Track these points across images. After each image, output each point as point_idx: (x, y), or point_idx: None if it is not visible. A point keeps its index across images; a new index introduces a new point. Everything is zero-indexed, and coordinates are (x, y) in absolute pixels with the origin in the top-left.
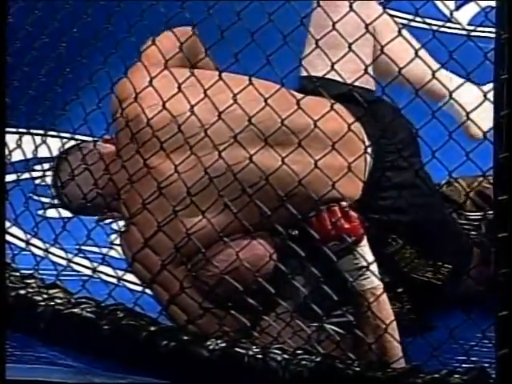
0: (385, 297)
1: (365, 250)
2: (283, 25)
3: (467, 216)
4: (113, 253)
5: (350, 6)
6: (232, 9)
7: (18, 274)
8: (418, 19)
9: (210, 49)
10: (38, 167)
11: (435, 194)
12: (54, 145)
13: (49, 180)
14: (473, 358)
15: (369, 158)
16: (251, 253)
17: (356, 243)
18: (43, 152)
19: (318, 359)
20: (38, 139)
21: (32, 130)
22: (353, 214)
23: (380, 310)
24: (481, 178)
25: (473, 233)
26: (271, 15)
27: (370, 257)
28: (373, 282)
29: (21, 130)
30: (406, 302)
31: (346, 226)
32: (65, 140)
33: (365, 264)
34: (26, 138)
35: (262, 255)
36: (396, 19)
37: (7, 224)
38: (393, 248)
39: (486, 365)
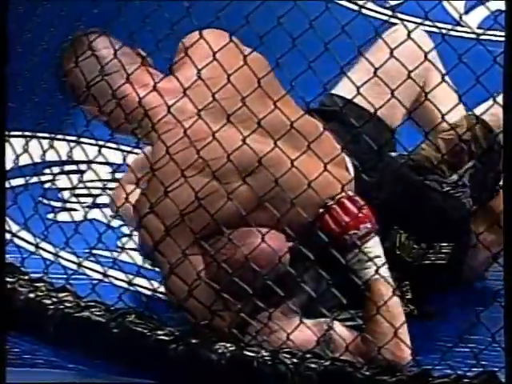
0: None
1: (377, 240)
2: (292, 28)
3: (449, 182)
4: (123, 257)
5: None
6: (240, 12)
7: (27, 277)
8: (428, 22)
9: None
10: (46, 171)
11: (418, 183)
12: (62, 148)
13: (59, 184)
14: (482, 363)
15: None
16: (270, 242)
17: (372, 230)
18: (51, 156)
19: (327, 363)
20: (45, 143)
21: (38, 134)
22: (361, 201)
23: (392, 306)
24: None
25: (461, 194)
26: (280, 18)
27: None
28: (386, 271)
29: (27, 133)
30: (406, 292)
31: (360, 214)
32: (72, 144)
33: (378, 253)
34: (33, 142)
35: (280, 246)
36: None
37: (16, 228)
38: (394, 239)
39: (496, 369)
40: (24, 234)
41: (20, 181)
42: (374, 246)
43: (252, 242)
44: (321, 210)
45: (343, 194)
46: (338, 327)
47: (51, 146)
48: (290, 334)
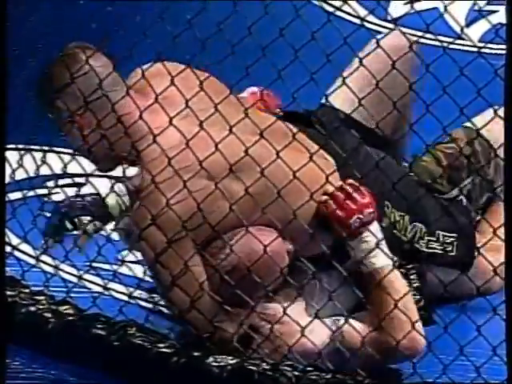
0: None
1: (378, 226)
2: (294, 40)
3: (447, 198)
4: (123, 270)
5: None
6: (243, 23)
7: (27, 290)
8: (429, 36)
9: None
10: (45, 185)
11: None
12: (56, 164)
13: (57, 197)
14: (483, 376)
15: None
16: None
17: (375, 215)
18: (48, 170)
19: (329, 375)
20: (39, 158)
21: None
22: (363, 188)
23: (396, 288)
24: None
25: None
26: (283, 30)
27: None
28: (387, 259)
29: (21, 146)
30: (413, 280)
31: (363, 200)
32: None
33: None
34: (27, 156)
35: (280, 252)
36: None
37: (16, 241)
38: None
39: (497, 382)
40: (24, 247)
41: (17, 195)
42: (377, 232)
43: (253, 251)
44: (324, 197)
45: (345, 180)
46: (350, 320)
47: (43, 162)
48: (295, 343)
